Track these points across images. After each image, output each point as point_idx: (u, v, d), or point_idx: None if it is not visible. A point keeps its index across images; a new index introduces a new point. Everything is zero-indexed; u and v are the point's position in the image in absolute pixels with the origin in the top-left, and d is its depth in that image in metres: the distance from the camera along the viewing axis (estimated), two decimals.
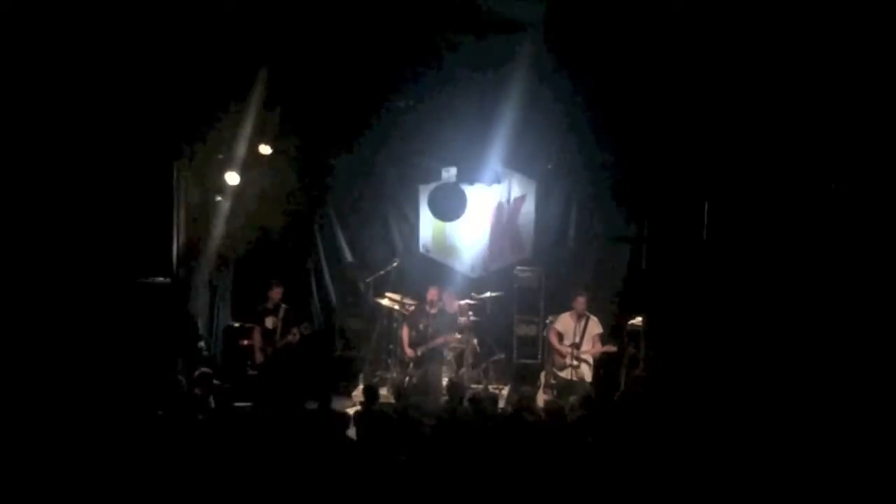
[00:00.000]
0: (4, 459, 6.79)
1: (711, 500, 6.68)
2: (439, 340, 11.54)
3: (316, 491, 6.61)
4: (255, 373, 11.17)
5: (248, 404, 9.18)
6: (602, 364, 11.43)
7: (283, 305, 11.48)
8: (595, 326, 11.27)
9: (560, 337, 11.32)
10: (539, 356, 12.55)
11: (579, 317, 11.27)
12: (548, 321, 11.97)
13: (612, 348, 11.25)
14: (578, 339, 11.14)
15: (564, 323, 11.37)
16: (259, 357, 11.21)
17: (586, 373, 11.15)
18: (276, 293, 11.47)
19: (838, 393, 8.51)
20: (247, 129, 11.45)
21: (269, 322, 11.38)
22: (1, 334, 8.86)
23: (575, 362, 11.06)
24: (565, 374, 11.10)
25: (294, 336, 11.23)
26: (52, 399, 8.25)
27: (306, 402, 8.53)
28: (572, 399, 9.84)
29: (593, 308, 11.61)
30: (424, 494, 6.63)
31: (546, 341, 11.89)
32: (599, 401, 8.77)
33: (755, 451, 7.35)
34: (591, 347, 11.18)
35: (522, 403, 8.72)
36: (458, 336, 11.85)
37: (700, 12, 9.10)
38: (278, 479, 6.70)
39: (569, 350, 11.10)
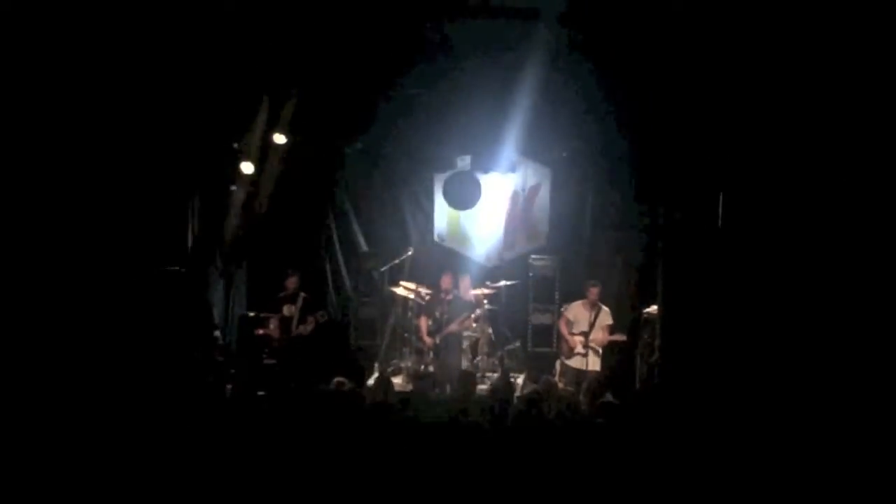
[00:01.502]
0: (22, 443, 6.84)
1: (725, 491, 6.66)
2: (454, 325, 11.55)
3: (329, 478, 6.63)
4: (272, 361, 11.20)
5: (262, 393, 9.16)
6: (614, 353, 11.42)
7: (302, 294, 11.53)
8: (606, 317, 11.25)
9: (570, 325, 11.28)
10: (554, 345, 12.53)
11: (592, 306, 11.23)
12: (562, 309, 11.96)
13: (621, 337, 11.23)
14: (589, 328, 11.09)
15: (576, 311, 11.34)
16: (276, 344, 11.28)
17: (595, 362, 11.13)
18: (292, 282, 11.53)
19: (854, 383, 8.46)
20: (261, 118, 11.48)
21: (287, 310, 11.44)
22: (12, 322, 8.90)
23: (583, 350, 11.04)
24: (572, 362, 11.09)
25: (309, 324, 11.27)
26: (68, 386, 8.29)
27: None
28: (583, 386, 9.86)
29: (608, 297, 11.58)
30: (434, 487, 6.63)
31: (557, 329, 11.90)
32: (611, 389, 8.72)
33: (771, 440, 7.32)
34: (600, 337, 11.14)
35: (542, 394, 8.72)
36: (474, 316, 11.83)
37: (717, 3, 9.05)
38: (291, 467, 6.72)
39: (579, 339, 11.07)
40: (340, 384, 8.84)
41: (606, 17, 9.71)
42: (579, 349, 11.06)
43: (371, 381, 11.70)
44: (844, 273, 9.05)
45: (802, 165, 9.41)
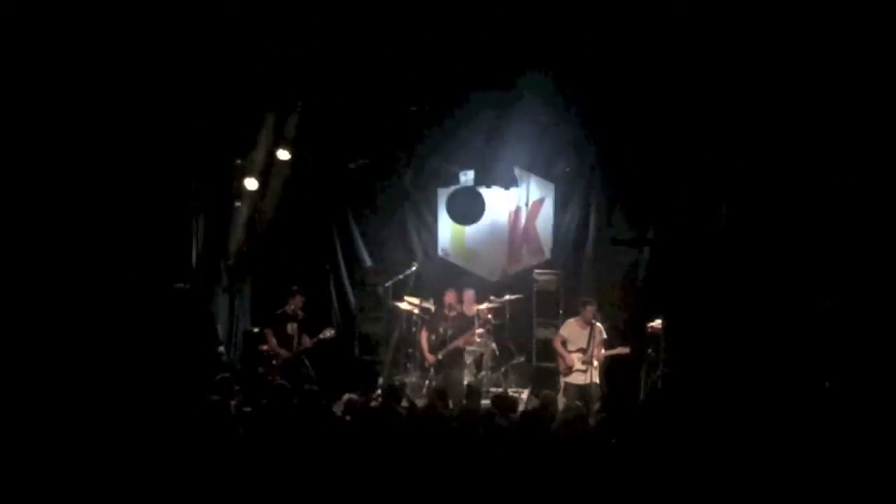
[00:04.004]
0: (26, 461, 6.85)
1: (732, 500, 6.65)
2: (458, 342, 11.53)
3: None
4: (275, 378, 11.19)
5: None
6: (619, 368, 11.39)
7: (301, 314, 11.54)
8: (601, 333, 11.21)
9: (565, 343, 11.22)
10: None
11: (586, 324, 11.15)
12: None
13: (624, 350, 11.20)
14: (586, 345, 11.04)
15: (570, 329, 11.26)
16: (280, 361, 11.28)
17: (596, 375, 11.09)
18: (297, 302, 11.52)
19: (858, 390, 8.47)
20: (266, 134, 11.52)
21: (289, 328, 11.44)
22: (23, 338, 8.93)
23: (582, 367, 11.00)
24: (573, 379, 11.04)
25: (307, 342, 11.33)
26: (73, 402, 8.31)
27: None
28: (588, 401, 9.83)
29: (611, 311, 11.56)
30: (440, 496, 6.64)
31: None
32: (616, 403, 8.72)
33: (775, 449, 7.31)
34: (598, 353, 11.11)
35: (545, 407, 8.74)
36: (479, 332, 11.82)
37: (711, 15, 9.09)
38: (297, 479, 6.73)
39: (577, 355, 11.03)
40: (352, 401, 8.86)
41: (612, 34, 9.74)
42: (578, 366, 11.02)
43: (374, 396, 11.71)
44: (849, 281, 9.07)
45: (803, 177, 9.44)
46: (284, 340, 11.45)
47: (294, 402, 8.62)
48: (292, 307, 11.55)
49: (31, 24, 8.70)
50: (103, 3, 8.97)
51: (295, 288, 11.67)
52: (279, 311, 11.56)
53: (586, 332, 11.08)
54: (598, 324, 11.18)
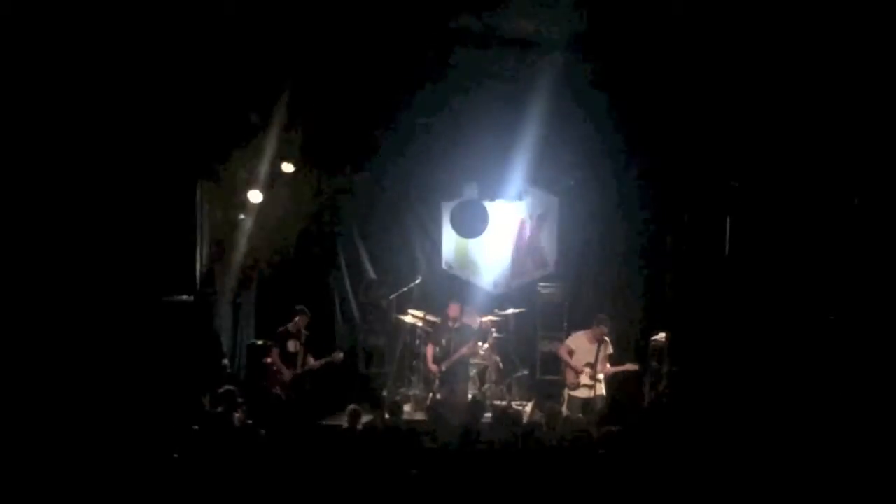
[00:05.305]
0: (27, 471, 6.86)
1: None
2: (463, 350, 11.51)
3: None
4: (278, 394, 11.17)
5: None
6: (623, 381, 11.37)
7: (305, 332, 11.55)
8: (608, 347, 11.18)
9: (571, 355, 11.19)
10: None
11: (596, 339, 11.11)
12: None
13: (633, 367, 11.16)
14: (594, 360, 11.01)
15: (578, 342, 11.23)
16: (284, 377, 11.28)
17: (601, 388, 11.07)
18: (301, 321, 11.53)
19: (865, 408, 8.43)
20: (270, 147, 11.52)
21: (292, 346, 11.45)
22: (23, 352, 8.92)
23: (590, 382, 10.97)
24: (578, 393, 11.01)
25: (312, 362, 11.34)
26: (75, 413, 8.31)
27: None
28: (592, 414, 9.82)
29: (615, 325, 11.54)
30: None
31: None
32: (619, 417, 8.70)
33: (780, 463, 7.29)
34: (605, 368, 11.08)
35: (549, 420, 8.74)
36: (482, 344, 11.81)
37: (722, 32, 9.08)
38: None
39: (586, 370, 11.00)
40: (356, 412, 8.86)
41: (616, 46, 9.74)
42: (586, 380, 10.99)
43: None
44: (853, 298, 9.04)
45: (809, 191, 9.43)
46: (288, 358, 11.46)
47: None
48: (296, 326, 11.56)
49: (34, 30, 8.73)
50: (109, 7, 9.00)
51: (300, 308, 11.68)
52: (281, 329, 11.57)
53: (594, 346, 11.06)
54: (607, 338, 11.18)
